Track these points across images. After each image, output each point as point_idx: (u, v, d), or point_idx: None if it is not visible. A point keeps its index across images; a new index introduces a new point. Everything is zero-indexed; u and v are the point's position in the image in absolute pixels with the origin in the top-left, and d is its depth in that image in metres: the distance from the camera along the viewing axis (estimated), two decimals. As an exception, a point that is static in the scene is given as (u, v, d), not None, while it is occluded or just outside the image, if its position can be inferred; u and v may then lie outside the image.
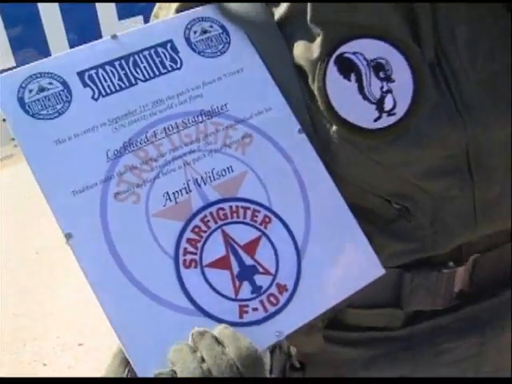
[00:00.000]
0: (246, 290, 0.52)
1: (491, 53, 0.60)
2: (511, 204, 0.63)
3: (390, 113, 0.58)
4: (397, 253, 0.62)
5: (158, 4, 0.68)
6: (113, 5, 1.43)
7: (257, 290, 0.53)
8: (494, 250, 0.65)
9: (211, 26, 0.61)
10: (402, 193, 0.60)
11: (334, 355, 0.67)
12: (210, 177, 0.55)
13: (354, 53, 0.59)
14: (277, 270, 0.54)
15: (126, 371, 0.52)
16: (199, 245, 0.53)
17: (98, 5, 1.42)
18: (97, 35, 1.44)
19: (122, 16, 1.46)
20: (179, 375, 0.47)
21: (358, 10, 0.58)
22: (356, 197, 0.59)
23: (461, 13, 0.59)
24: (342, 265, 0.56)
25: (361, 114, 0.58)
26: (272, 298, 0.53)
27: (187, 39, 0.60)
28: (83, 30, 1.42)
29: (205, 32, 0.61)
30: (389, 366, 0.67)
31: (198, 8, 0.62)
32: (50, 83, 0.54)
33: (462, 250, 0.64)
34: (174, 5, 0.63)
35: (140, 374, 0.48)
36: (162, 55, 0.58)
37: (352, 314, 0.65)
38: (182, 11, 0.62)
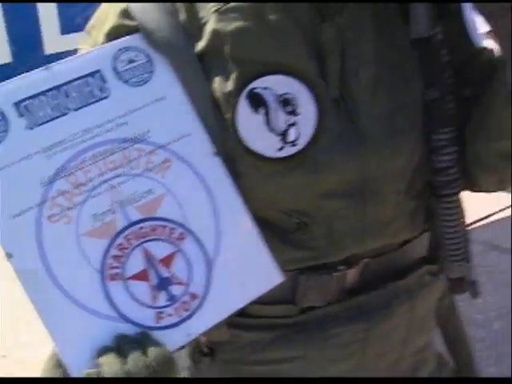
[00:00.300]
0: (162, 298, 0.61)
1: (392, 90, 0.69)
2: (402, 224, 0.73)
3: (293, 143, 0.66)
4: (294, 259, 0.71)
5: (91, 22, 0.74)
6: (56, 19, 1.47)
7: (171, 298, 0.61)
8: (382, 256, 0.75)
9: (137, 56, 0.67)
10: (301, 210, 0.69)
11: (238, 338, 0.76)
12: (133, 199, 0.62)
13: (265, 88, 0.66)
14: (189, 281, 0.62)
15: (60, 372, 0.60)
16: (123, 260, 0.60)
17: (41, 18, 1.45)
18: (39, 49, 1.49)
19: (64, 31, 1.51)
20: (105, 375, 0.55)
21: (270, 48, 0.66)
22: (260, 211, 0.68)
23: (367, 53, 0.68)
24: (246, 274, 0.65)
25: (266, 145, 0.66)
26: (185, 305, 0.61)
27: (114, 69, 0.65)
28: (26, 43, 1.46)
29: (131, 61, 0.66)
30: (284, 347, 0.76)
31: (125, 38, 0.67)
32: None
33: (354, 256, 0.73)
34: (105, 29, 0.69)
35: (73, 375, 0.56)
36: (91, 85, 0.64)
37: (254, 308, 0.74)
38: (111, 36, 0.68)
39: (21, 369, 2.23)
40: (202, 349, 0.78)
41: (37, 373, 0.65)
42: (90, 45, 0.71)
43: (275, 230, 0.70)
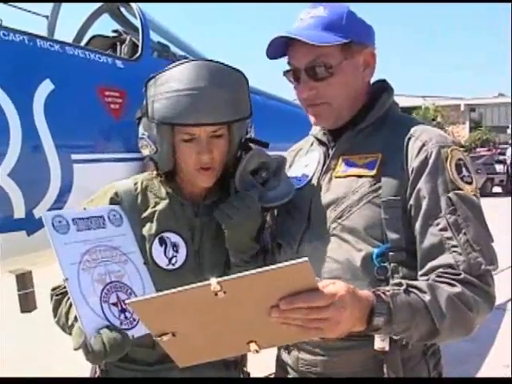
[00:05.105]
0: (122, 316, 1.37)
1: (215, 254, 1.62)
2: None
3: (173, 264, 1.54)
4: None
5: (92, 197, 1.58)
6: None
7: (126, 317, 1.38)
8: None
9: (116, 214, 1.51)
10: None
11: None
12: (113, 272, 1.41)
13: (167, 237, 1.55)
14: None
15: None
16: (109, 295, 1.37)
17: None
18: None
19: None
20: (103, 337, 1.28)
21: (167, 225, 1.56)
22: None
23: (211, 234, 1.62)
24: None
25: (162, 262, 1.54)
26: (131, 322, 1.38)
27: (108, 217, 1.48)
28: None
29: (114, 215, 1.50)
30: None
31: (113, 205, 1.52)
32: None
33: None
34: (107, 198, 1.54)
35: (87, 333, 1.28)
36: (99, 221, 1.45)
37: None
38: (109, 202, 1.52)
39: None
40: (102, 368, 1.49)
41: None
42: (94, 205, 1.52)
43: None
